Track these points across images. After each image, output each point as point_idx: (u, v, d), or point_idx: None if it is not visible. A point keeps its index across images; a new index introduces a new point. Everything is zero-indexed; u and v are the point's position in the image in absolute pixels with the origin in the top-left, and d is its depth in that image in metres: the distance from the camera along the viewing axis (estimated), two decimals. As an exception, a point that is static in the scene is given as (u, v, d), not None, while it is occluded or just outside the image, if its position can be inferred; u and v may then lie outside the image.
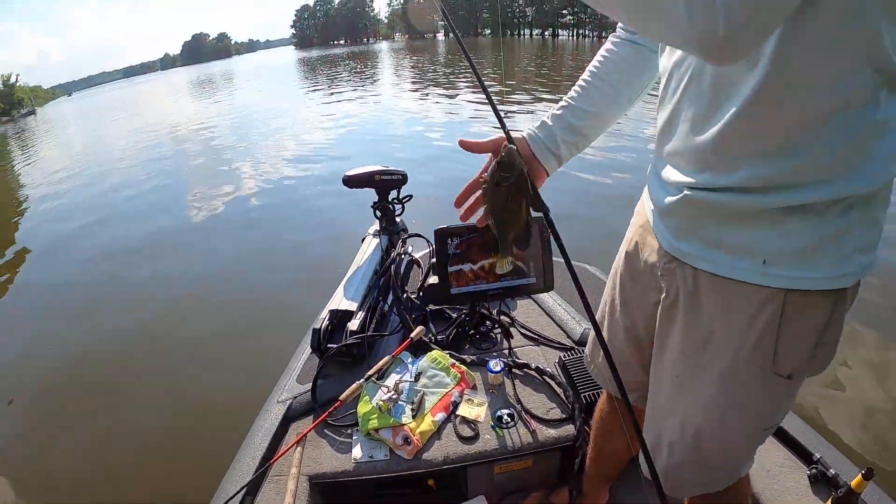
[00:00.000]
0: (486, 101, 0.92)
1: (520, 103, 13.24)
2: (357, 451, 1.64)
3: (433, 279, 2.18)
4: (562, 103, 1.04)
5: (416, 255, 2.37)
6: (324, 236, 6.07)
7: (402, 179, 2.29)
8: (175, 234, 7.17)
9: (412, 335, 1.86)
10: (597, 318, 1.23)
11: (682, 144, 0.86)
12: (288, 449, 1.54)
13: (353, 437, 1.69)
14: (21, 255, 7.60)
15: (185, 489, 2.49)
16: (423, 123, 11.72)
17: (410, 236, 2.32)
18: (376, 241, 2.25)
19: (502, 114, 0.94)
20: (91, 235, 7.58)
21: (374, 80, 25.03)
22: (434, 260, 1.91)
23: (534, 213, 1.49)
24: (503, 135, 0.94)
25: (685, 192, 0.87)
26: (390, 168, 2.26)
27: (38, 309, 5.58)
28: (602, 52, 1.06)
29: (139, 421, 3.35)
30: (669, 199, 0.91)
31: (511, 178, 0.87)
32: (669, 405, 1.01)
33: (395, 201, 2.34)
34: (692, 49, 0.65)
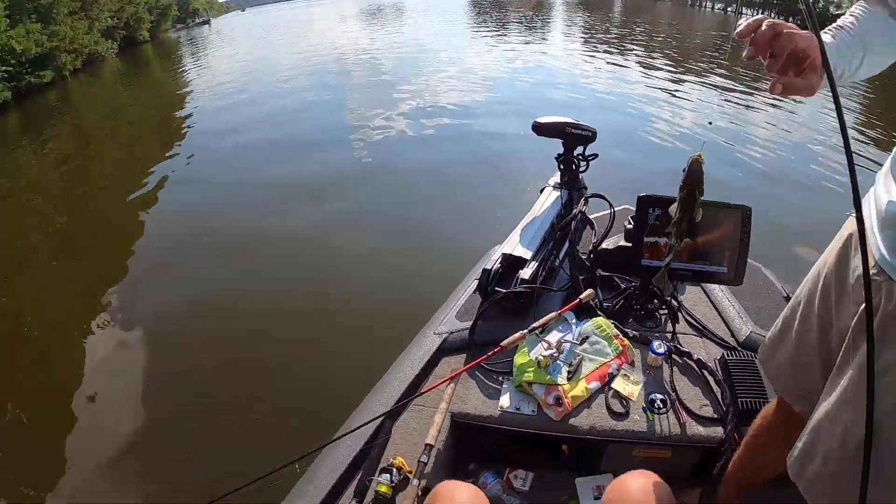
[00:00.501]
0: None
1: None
2: (505, 400, 1.65)
3: (608, 243, 2.10)
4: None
5: (592, 216, 2.28)
6: (493, 177, 6.08)
7: (591, 136, 2.20)
8: (339, 158, 7.47)
9: (581, 296, 1.80)
10: (782, 318, 1.23)
11: None
12: (440, 383, 1.56)
13: (504, 385, 1.70)
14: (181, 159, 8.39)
15: (327, 403, 2.67)
16: (598, 86, 11.07)
17: (593, 196, 2.22)
18: (556, 194, 2.19)
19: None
20: (251, 150, 8.22)
21: (546, 32, 24.23)
22: (628, 226, 1.82)
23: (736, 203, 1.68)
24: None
25: None
26: (582, 123, 2.18)
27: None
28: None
29: (286, 331, 3.67)
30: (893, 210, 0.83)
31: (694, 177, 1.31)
32: (836, 414, 0.95)
33: (580, 157, 2.25)
34: None
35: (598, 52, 16.15)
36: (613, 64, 13.61)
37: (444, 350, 1.81)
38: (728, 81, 11.16)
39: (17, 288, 4.95)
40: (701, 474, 1.64)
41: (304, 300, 4.03)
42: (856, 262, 0.97)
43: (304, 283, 4.32)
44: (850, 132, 6.28)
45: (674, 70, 12.51)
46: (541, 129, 2.16)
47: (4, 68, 15.65)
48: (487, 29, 25.62)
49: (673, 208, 1.38)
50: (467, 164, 6.61)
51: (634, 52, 15.69)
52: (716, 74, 11.97)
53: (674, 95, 9.98)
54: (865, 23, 0.94)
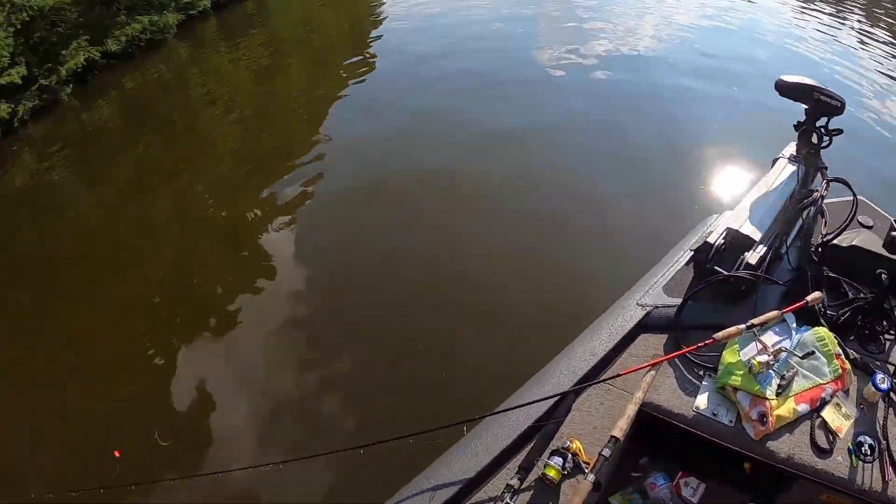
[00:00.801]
0: None
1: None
2: (702, 401, 1.39)
3: (842, 240, 1.72)
4: None
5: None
6: (712, 131, 5.24)
7: (839, 107, 1.77)
8: (528, 83, 6.72)
9: (809, 297, 1.47)
10: None
11: None
12: (639, 368, 1.29)
13: (704, 383, 1.43)
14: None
15: (510, 359, 2.52)
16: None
17: (836, 180, 1.82)
18: (792, 168, 1.79)
19: None
20: (434, 66, 7.50)
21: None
22: (866, 222, 1.41)
23: None
24: None
25: None
26: (830, 90, 1.73)
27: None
28: None
29: (480, 275, 3.40)
30: None
31: None
32: None
33: (823, 130, 1.82)
34: None
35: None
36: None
37: (646, 325, 1.54)
38: None
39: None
40: None
41: (499, 245, 3.68)
42: None
43: (497, 228, 3.92)
44: None
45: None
46: (785, 89, 1.74)
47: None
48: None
49: None
50: (683, 115, 5.65)
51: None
52: None
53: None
54: None
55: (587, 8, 10.97)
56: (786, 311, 1.43)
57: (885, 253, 1.52)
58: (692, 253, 1.61)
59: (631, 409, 1.27)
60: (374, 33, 10.78)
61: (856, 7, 12.57)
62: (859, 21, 11.69)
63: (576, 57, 7.88)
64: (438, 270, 3.45)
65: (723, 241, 1.54)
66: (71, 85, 6.92)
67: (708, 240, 1.52)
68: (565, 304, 2.93)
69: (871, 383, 1.45)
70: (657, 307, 1.53)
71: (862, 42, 9.46)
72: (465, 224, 3.93)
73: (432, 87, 6.69)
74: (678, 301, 1.50)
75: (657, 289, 1.60)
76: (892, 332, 1.65)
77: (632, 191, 4.09)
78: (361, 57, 8.80)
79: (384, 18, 11.81)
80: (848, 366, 1.51)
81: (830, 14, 11.84)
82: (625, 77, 6.94)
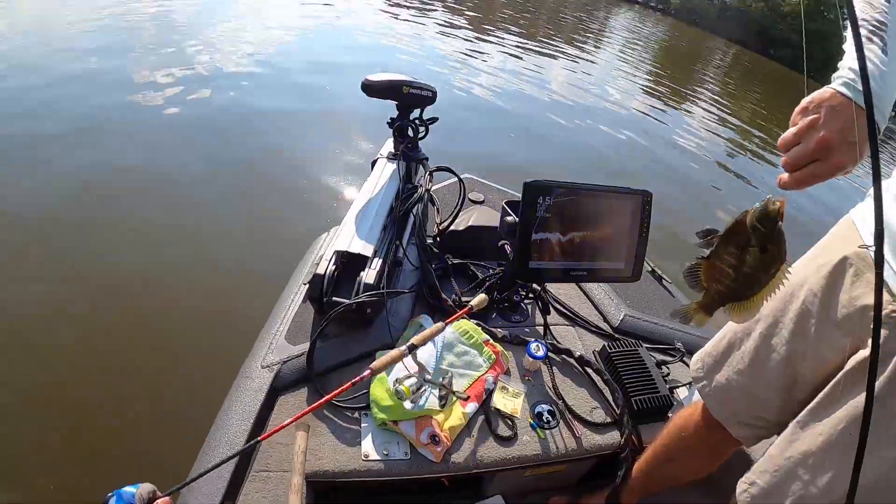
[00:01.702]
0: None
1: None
2: (368, 446, 1.19)
3: (458, 224, 1.74)
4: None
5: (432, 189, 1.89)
6: (308, 147, 4.86)
7: (431, 97, 1.79)
8: (125, 117, 5.38)
9: (473, 303, 1.39)
10: (730, 333, 1.09)
11: None
12: (280, 427, 1.00)
13: (364, 425, 1.23)
14: None
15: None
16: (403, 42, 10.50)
17: (439, 169, 1.82)
18: (392, 167, 1.73)
19: None
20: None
21: None
22: (514, 220, 1.41)
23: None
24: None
25: None
26: (420, 81, 1.74)
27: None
28: None
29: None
30: None
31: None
32: (821, 459, 0.86)
33: (418, 121, 1.82)
34: None
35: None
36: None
37: (279, 388, 1.27)
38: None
39: None
40: (598, 481, 1.46)
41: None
42: (856, 290, 0.86)
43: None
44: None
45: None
46: (371, 89, 1.66)
47: None
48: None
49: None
50: (270, 131, 5.10)
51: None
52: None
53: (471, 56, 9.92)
54: None
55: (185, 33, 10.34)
56: (448, 323, 1.32)
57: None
58: (306, 288, 1.42)
59: (297, 481, 1.00)
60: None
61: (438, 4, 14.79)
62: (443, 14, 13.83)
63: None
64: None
65: (334, 268, 1.38)
66: None
67: (318, 271, 1.34)
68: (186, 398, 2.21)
69: (526, 354, 1.46)
70: (285, 362, 1.30)
71: (443, 34, 11.22)
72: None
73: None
74: (305, 347, 1.29)
75: (279, 340, 1.36)
76: (530, 296, 1.72)
77: (228, 235, 3.47)
78: None
79: None
80: (499, 347, 1.49)
81: (415, 9, 13.71)
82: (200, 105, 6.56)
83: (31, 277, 2.86)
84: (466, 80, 7.93)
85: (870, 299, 0.82)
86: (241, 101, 6.12)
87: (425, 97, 1.76)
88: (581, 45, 14.45)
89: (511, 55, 10.50)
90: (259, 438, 0.94)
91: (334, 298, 1.33)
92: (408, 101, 1.75)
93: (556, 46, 12.81)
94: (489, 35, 12.32)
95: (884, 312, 0.80)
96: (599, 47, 15.72)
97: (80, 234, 3.30)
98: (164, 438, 1.89)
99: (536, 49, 11.76)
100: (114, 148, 4.42)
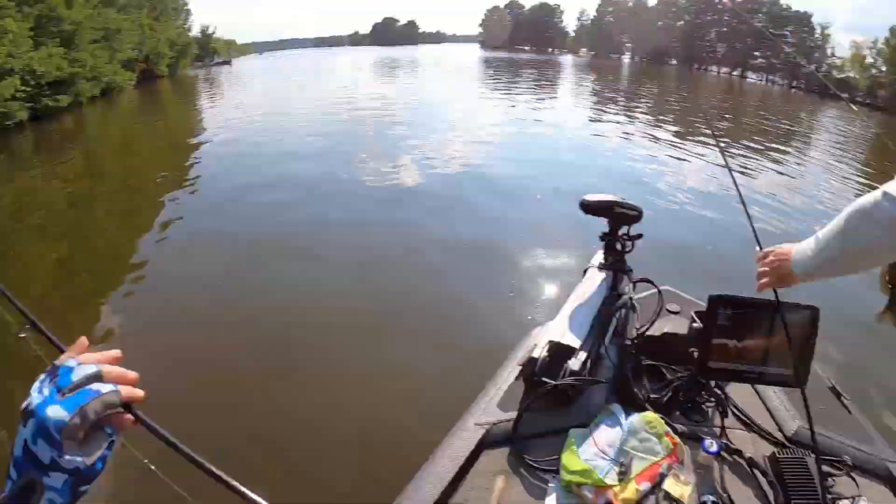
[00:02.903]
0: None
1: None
2: (551, 501, 1.52)
3: (654, 329, 2.02)
4: None
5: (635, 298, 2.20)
6: (526, 250, 5.87)
7: (637, 216, 2.15)
8: (351, 211, 7.27)
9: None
10: None
11: None
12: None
13: (550, 485, 1.59)
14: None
15: None
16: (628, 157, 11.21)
17: (641, 281, 2.15)
18: (602, 275, 2.11)
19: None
20: (257, 195, 8.00)
21: (565, 95, 24.64)
22: (700, 326, 1.71)
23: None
24: None
25: None
26: (629, 201, 2.12)
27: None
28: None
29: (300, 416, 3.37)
30: None
31: None
32: None
33: (626, 237, 2.18)
34: None
35: (609, 113, 16.38)
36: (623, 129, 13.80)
37: (487, 443, 1.69)
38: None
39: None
40: None
41: (316, 383, 3.70)
42: None
43: (313, 363, 3.97)
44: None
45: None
46: (589, 209, 2.10)
47: (24, 88, 15.89)
48: (499, 88, 26.05)
49: None
50: (494, 237, 6.33)
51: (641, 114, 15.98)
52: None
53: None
54: None
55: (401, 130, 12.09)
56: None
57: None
58: (520, 368, 1.82)
59: None
60: (194, 156, 11.19)
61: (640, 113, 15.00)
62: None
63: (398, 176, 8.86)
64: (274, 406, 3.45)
65: (546, 354, 1.77)
66: None
67: (532, 355, 1.75)
68: (409, 428, 3.03)
69: (701, 449, 1.68)
70: (496, 423, 1.70)
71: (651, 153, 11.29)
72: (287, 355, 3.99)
73: (262, 217, 7.04)
74: (513, 415, 1.68)
75: (492, 406, 1.78)
76: (711, 399, 1.92)
77: (462, 312, 4.46)
78: (181, 182, 9.13)
79: (206, 142, 12.14)
80: (678, 439, 1.74)
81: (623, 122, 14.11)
82: (440, 195, 7.86)
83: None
84: (672, 189, 8.34)
85: None
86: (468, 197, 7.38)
87: (632, 216, 2.12)
88: (784, 146, 13.66)
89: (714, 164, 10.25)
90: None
91: (543, 378, 1.72)
92: (618, 219, 2.11)
93: (760, 150, 12.26)
94: (689, 141, 12.20)
95: None
96: (807, 147, 14.59)
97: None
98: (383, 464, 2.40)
99: (743, 154, 11.44)
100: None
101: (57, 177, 9.57)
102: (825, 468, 1.69)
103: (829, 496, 1.59)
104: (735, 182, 1.85)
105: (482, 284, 5.03)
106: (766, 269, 1.47)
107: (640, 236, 2.20)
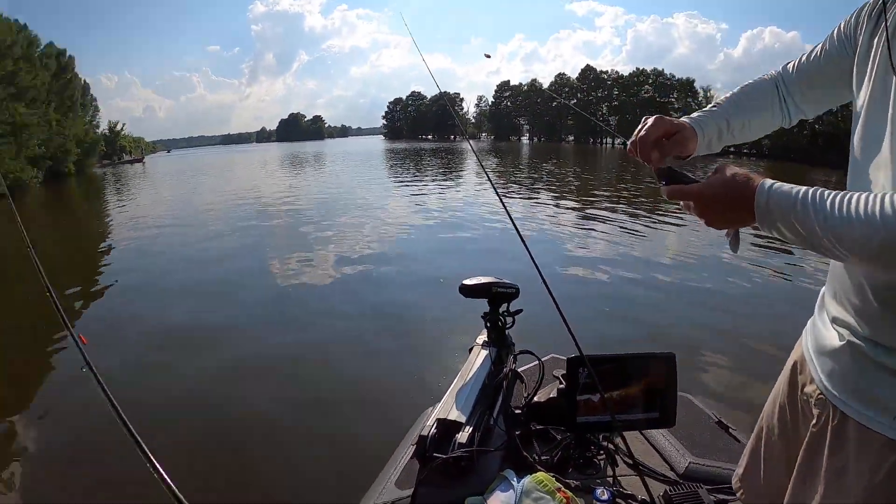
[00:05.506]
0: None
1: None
2: (460, 576, 1.61)
3: (540, 395, 2.19)
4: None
5: (520, 369, 2.38)
6: (414, 337, 6.20)
7: (514, 293, 2.34)
8: (257, 306, 7.53)
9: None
10: (752, 439, 1.41)
11: (856, 297, 0.93)
12: None
13: (457, 560, 1.66)
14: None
15: None
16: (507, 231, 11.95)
17: (522, 353, 2.34)
18: (485, 352, 2.27)
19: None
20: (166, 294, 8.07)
21: (460, 178, 26.01)
22: (561, 385, 1.92)
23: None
24: None
25: (847, 339, 0.95)
26: (505, 281, 2.32)
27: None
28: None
29: None
30: (830, 340, 1.01)
31: None
32: None
33: (506, 313, 2.39)
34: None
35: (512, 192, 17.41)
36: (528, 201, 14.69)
37: None
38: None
39: None
40: None
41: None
42: (803, 380, 1.16)
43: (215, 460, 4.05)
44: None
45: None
46: (468, 292, 2.28)
47: None
48: (403, 176, 27.09)
49: None
50: (387, 324, 6.76)
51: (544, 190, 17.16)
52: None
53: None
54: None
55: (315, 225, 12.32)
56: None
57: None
58: (413, 447, 1.94)
59: None
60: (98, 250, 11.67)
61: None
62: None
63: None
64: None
65: (435, 431, 1.89)
66: None
67: (422, 433, 1.86)
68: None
69: (594, 500, 1.78)
70: (394, 502, 1.80)
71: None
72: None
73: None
74: (410, 492, 1.78)
75: (390, 485, 1.87)
76: (601, 453, 2.10)
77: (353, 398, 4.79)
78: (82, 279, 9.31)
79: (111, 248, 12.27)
80: (570, 493, 1.86)
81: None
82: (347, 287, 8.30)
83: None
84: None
85: (810, 387, 1.10)
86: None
87: (510, 294, 2.33)
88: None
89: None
90: None
91: (435, 454, 1.84)
92: (495, 298, 2.33)
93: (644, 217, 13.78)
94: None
95: (808, 390, 1.11)
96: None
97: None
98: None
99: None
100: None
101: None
102: (719, 496, 1.83)
103: None
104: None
105: (381, 370, 5.33)
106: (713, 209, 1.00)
107: (519, 311, 2.41)
